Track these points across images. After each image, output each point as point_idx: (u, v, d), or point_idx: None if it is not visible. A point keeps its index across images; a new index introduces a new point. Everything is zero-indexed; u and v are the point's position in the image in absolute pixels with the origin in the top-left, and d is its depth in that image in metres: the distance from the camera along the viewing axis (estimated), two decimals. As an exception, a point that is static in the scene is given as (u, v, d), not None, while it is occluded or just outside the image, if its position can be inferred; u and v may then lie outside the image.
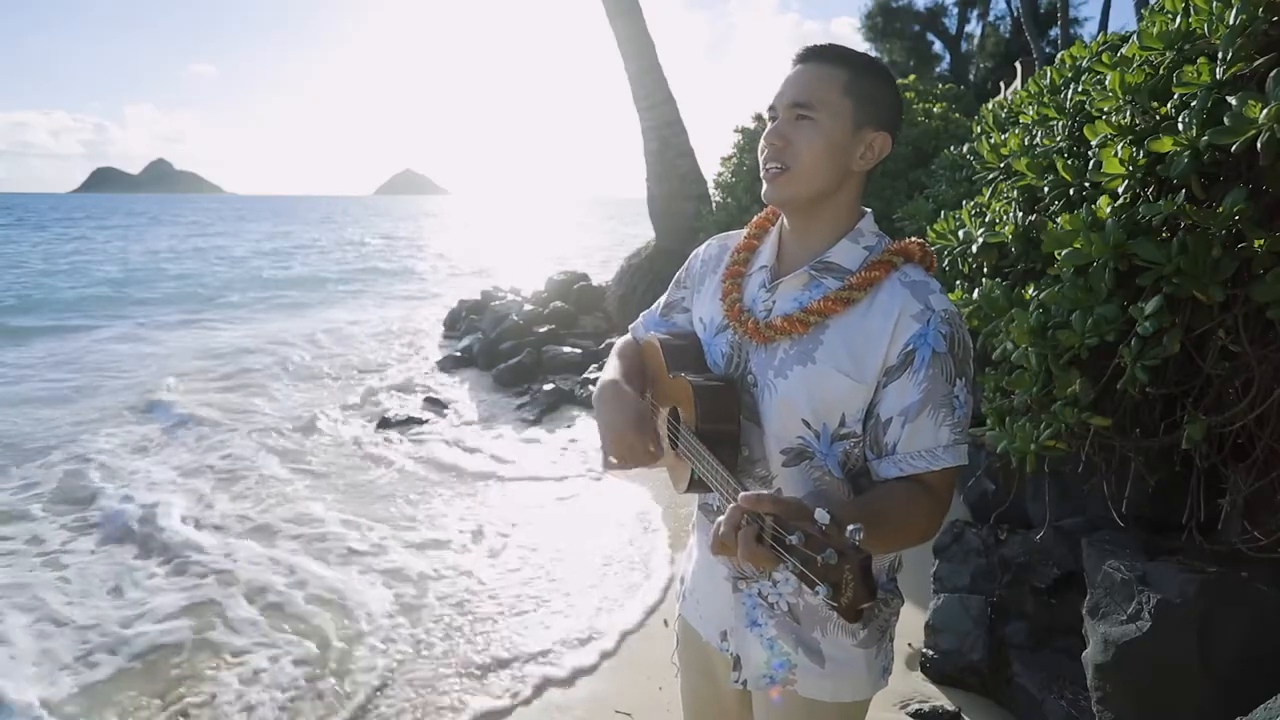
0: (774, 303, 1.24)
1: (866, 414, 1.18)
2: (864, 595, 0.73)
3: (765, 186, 1.20)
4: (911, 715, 2.68)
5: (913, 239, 1.24)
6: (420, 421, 7.01)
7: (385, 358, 10.31)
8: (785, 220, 1.29)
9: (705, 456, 1.11)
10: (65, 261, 26.29)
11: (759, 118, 9.64)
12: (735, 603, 1.32)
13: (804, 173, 1.17)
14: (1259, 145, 1.57)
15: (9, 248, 32.44)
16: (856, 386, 1.16)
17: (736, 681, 1.32)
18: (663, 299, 1.51)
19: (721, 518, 0.90)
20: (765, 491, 0.90)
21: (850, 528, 0.76)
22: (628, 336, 1.53)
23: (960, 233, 2.81)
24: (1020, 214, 2.56)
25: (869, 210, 1.26)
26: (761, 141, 1.21)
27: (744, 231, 1.39)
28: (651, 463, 1.28)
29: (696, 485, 1.18)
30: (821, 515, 0.80)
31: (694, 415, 1.17)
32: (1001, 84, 13.22)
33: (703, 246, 1.46)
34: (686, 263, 1.48)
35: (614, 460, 1.27)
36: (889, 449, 1.16)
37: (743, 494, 0.90)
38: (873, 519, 1.08)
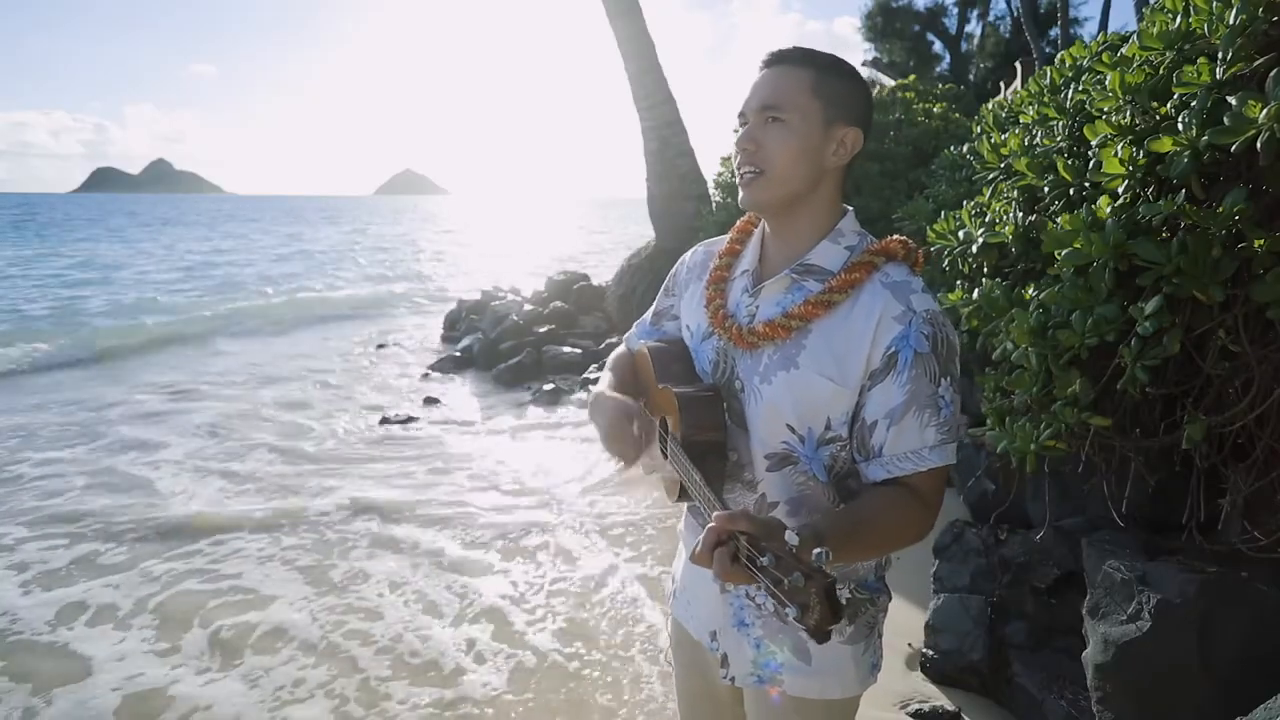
0: (757, 307, 1.24)
1: (852, 417, 1.18)
2: (829, 617, 0.75)
3: (741, 193, 1.21)
4: (911, 715, 2.68)
5: (894, 237, 1.23)
6: (416, 419, 7.02)
7: (386, 356, 10.31)
8: (766, 224, 1.29)
9: (689, 468, 1.12)
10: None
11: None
12: (723, 603, 1.32)
13: (779, 174, 1.17)
14: (1259, 145, 1.57)
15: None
16: (840, 390, 1.16)
17: (725, 678, 1.33)
18: (653, 307, 1.51)
19: (702, 533, 0.90)
20: (740, 510, 0.90)
21: (816, 551, 0.77)
22: (622, 348, 1.54)
23: (960, 233, 2.81)
24: (1020, 214, 2.56)
25: (850, 208, 1.26)
26: (734, 147, 1.21)
27: (727, 236, 1.39)
28: (639, 453, 1.27)
29: (686, 495, 1.19)
30: (791, 537, 0.81)
31: (680, 426, 1.18)
32: (1001, 84, 13.22)
33: (689, 253, 1.47)
34: (674, 269, 1.48)
35: (616, 459, 1.27)
36: (876, 451, 1.16)
37: (717, 513, 0.90)
38: (859, 528, 1.09)
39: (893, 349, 1.13)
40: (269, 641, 3.54)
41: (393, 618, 3.71)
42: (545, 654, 3.38)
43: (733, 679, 1.32)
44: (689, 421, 1.18)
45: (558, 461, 5.97)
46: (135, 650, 3.48)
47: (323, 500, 5.19)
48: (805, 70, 1.17)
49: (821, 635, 0.75)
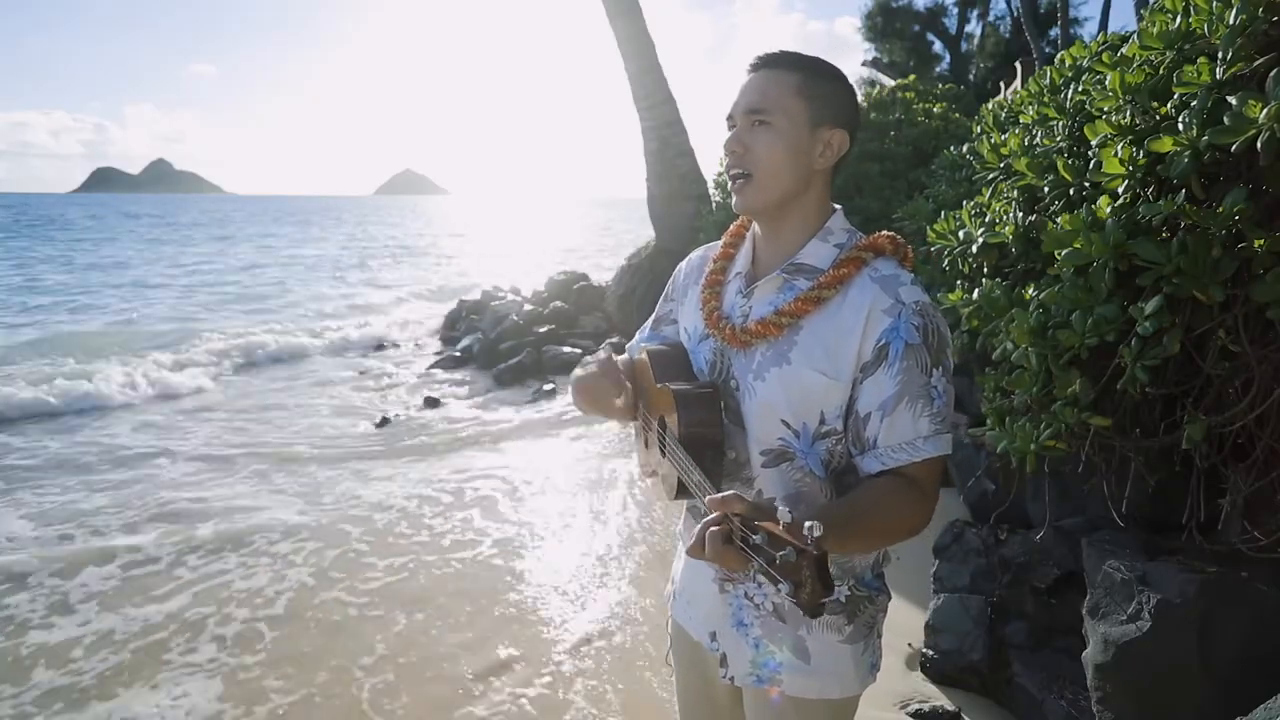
0: (750, 308, 1.26)
1: (847, 411, 1.19)
2: (821, 591, 0.75)
3: (734, 197, 1.23)
4: (911, 715, 2.68)
5: (883, 233, 1.25)
6: (416, 419, 7.01)
7: (385, 357, 10.30)
8: (757, 226, 1.31)
9: (687, 463, 1.13)
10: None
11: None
12: (722, 604, 1.33)
13: (767, 177, 1.19)
14: (1259, 145, 1.57)
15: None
16: (833, 384, 1.17)
17: (725, 677, 1.33)
18: (653, 314, 1.53)
19: (698, 526, 0.90)
20: (732, 492, 0.90)
21: (807, 525, 0.77)
22: (624, 356, 1.54)
23: (960, 233, 2.81)
24: (1020, 214, 2.56)
25: (839, 207, 1.27)
26: (722, 150, 1.23)
27: (721, 241, 1.41)
28: (614, 409, 1.35)
29: (683, 491, 1.20)
30: (783, 514, 0.81)
31: (678, 422, 1.19)
32: (1001, 84, 13.21)
33: (685, 260, 1.49)
34: (672, 275, 1.50)
35: (580, 401, 1.36)
36: (870, 444, 1.17)
37: (710, 497, 0.90)
38: (855, 518, 1.09)
39: (883, 341, 1.14)
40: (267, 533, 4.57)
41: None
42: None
43: (732, 679, 1.33)
44: (686, 417, 1.19)
45: (559, 455, 5.99)
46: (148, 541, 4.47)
47: (321, 480, 5.34)
48: (790, 73, 1.19)
49: (814, 609, 0.76)
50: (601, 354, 1.38)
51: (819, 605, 0.76)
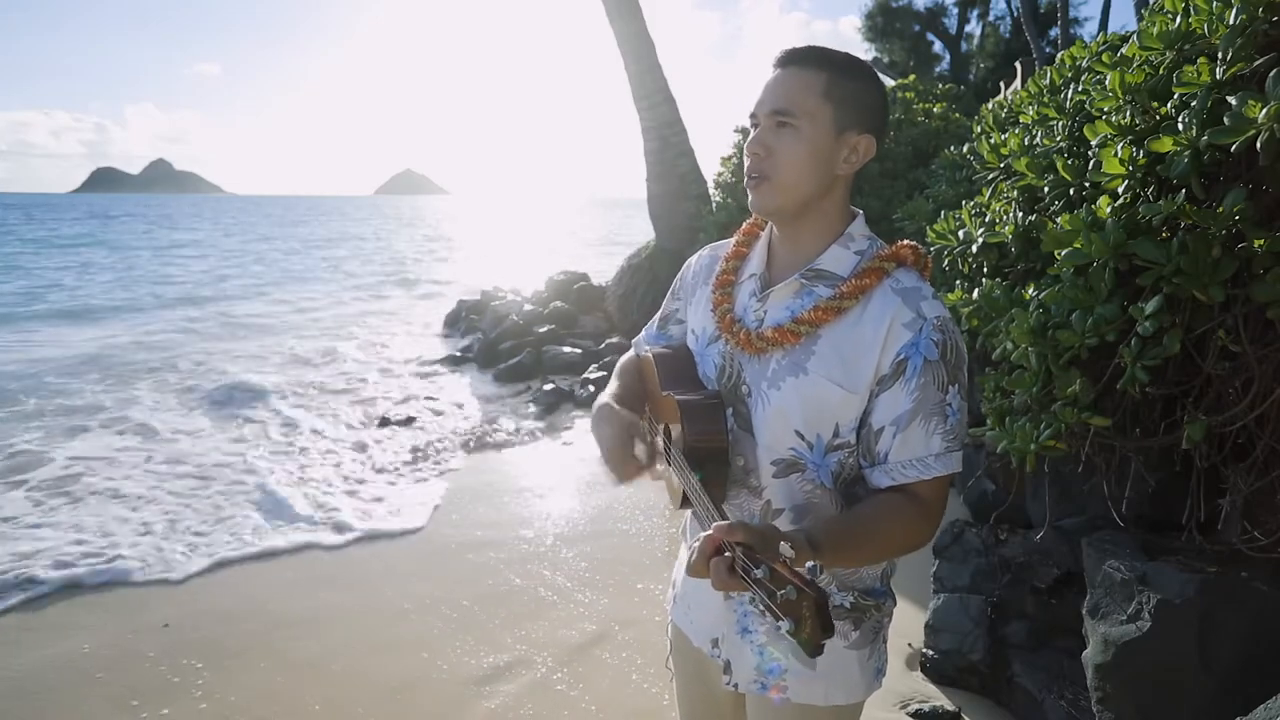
0: (765, 312, 1.23)
1: (860, 423, 1.17)
2: (820, 633, 0.75)
3: (750, 195, 1.20)
4: (911, 715, 2.67)
5: (904, 242, 1.22)
6: (416, 419, 7.01)
7: (386, 357, 10.31)
8: (774, 227, 1.27)
9: (691, 476, 1.11)
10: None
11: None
12: (726, 610, 1.31)
13: (787, 182, 1.16)
14: (1259, 145, 1.57)
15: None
16: (849, 396, 1.15)
17: (729, 684, 1.32)
18: (660, 311, 1.50)
19: (695, 543, 0.90)
20: (736, 521, 0.89)
21: (809, 565, 0.77)
22: (631, 353, 1.52)
23: (960, 233, 2.81)
24: (1020, 214, 2.56)
25: (860, 212, 1.25)
26: (744, 151, 1.20)
27: (733, 239, 1.37)
28: (640, 473, 1.25)
29: (688, 503, 1.18)
30: (785, 549, 0.81)
31: (683, 433, 1.17)
32: (1001, 84, 13.21)
33: (695, 256, 1.45)
34: (680, 272, 1.47)
35: (612, 476, 1.25)
36: (881, 458, 1.15)
37: (715, 525, 0.89)
38: (858, 535, 1.09)
39: (902, 356, 1.12)
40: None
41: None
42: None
43: (736, 685, 1.31)
44: (691, 429, 1.16)
45: (556, 455, 6.00)
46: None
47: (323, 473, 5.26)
48: (818, 73, 1.14)
49: (814, 650, 0.75)
50: (621, 416, 1.25)
51: (819, 646, 0.75)
